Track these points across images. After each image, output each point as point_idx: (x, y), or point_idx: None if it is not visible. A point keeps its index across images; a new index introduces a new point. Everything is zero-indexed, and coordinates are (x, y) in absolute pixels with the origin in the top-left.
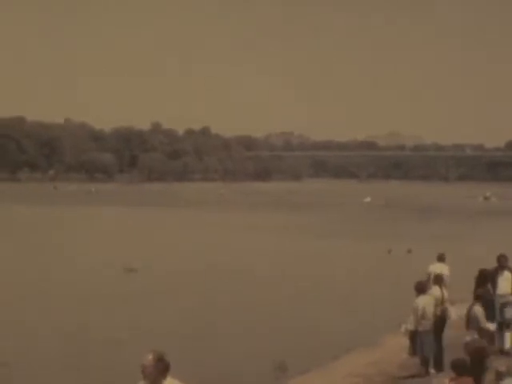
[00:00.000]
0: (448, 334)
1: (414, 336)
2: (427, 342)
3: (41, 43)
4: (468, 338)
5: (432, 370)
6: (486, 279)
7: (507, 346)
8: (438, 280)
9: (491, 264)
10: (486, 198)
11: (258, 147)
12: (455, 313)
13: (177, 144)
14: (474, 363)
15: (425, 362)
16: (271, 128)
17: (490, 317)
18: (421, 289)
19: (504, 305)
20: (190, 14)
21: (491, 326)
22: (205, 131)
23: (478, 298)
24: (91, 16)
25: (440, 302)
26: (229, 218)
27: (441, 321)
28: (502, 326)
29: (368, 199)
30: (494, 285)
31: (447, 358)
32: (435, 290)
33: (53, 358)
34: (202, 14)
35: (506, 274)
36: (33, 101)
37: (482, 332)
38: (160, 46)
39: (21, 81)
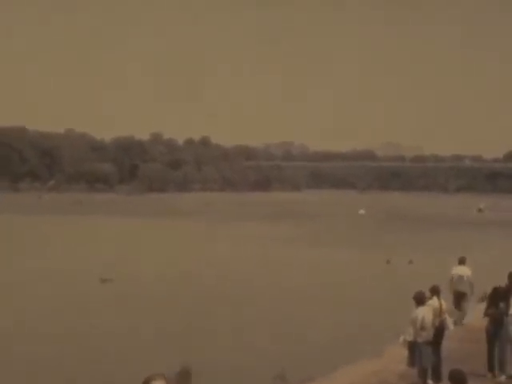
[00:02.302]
0: (446, 345)
1: (412, 347)
2: (426, 353)
3: (42, 54)
4: None
5: (430, 381)
6: (499, 298)
7: None
8: (436, 291)
9: (489, 274)
10: (479, 210)
11: (257, 157)
12: (451, 323)
13: (177, 154)
14: None
15: (423, 373)
16: (271, 138)
17: (501, 337)
18: (420, 300)
19: None
20: (189, 20)
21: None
22: (205, 141)
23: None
24: (92, 27)
25: (438, 313)
26: (209, 228)
27: (439, 332)
28: None
29: (362, 211)
30: (507, 303)
31: (445, 369)
32: (434, 301)
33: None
34: (200, 21)
35: None
36: (34, 111)
37: None
38: (159, 58)
39: (23, 91)
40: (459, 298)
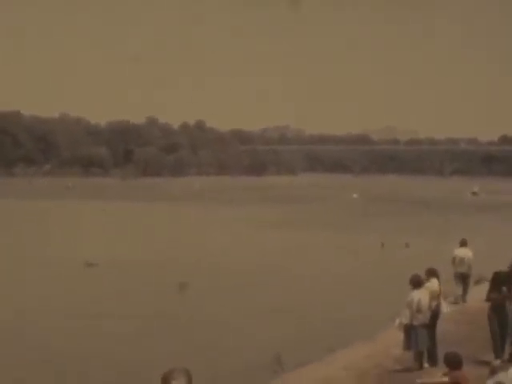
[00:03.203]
0: (442, 327)
1: (408, 330)
2: (422, 336)
3: (38, 38)
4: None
5: (426, 364)
6: (500, 282)
7: None
8: (435, 273)
9: (486, 257)
10: (473, 194)
11: (253, 141)
12: (446, 306)
13: (172, 138)
14: None
15: (419, 356)
16: (266, 122)
17: (502, 322)
18: (416, 282)
19: None
20: (186, 8)
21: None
22: (200, 125)
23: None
24: (86, 13)
25: (436, 296)
26: (203, 213)
27: (435, 315)
28: None
29: (355, 195)
30: (510, 288)
31: (441, 352)
32: (433, 283)
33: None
34: (199, 9)
35: None
36: (29, 95)
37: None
38: (156, 41)
39: (17, 75)
40: (461, 280)
